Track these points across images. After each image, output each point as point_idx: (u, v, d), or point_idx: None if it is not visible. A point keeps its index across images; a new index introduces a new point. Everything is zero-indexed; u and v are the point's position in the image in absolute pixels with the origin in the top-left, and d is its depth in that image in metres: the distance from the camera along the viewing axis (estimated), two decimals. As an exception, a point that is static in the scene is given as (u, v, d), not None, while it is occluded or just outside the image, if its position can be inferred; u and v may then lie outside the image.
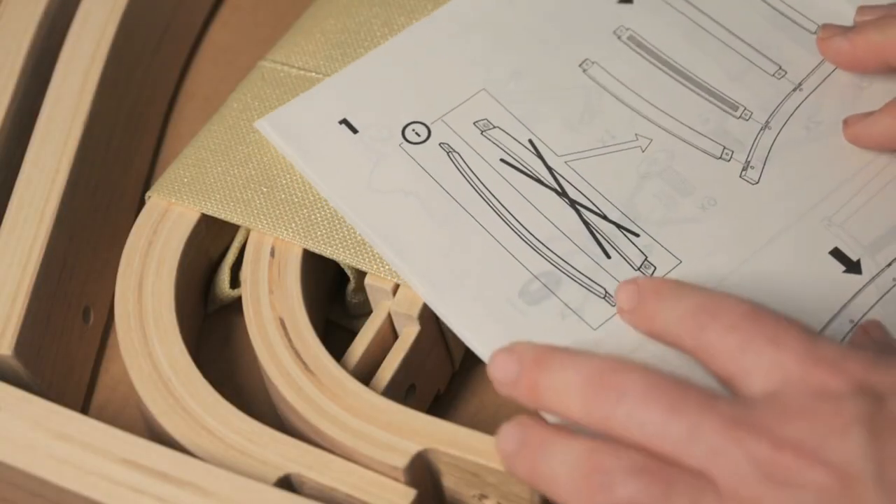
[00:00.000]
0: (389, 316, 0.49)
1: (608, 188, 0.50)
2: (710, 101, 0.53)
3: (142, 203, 0.53)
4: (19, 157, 0.54)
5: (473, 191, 0.50)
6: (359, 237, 0.49)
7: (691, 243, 0.49)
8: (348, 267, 0.51)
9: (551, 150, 0.51)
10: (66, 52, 0.56)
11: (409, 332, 0.49)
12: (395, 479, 0.45)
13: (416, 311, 0.48)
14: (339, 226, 0.50)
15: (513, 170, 0.50)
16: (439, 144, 0.51)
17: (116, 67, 0.56)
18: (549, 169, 0.50)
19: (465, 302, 0.47)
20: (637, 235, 0.49)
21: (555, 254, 0.48)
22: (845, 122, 0.52)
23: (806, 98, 0.53)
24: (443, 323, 0.50)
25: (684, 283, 0.43)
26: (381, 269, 0.49)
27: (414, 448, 0.45)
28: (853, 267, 0.48)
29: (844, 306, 0.47)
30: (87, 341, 0.53)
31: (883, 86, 0.53)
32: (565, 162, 0.51)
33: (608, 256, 0.48)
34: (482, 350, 0.46)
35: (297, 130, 0.51)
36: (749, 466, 0.37)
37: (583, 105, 0.52)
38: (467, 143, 0.51)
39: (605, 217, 0.49)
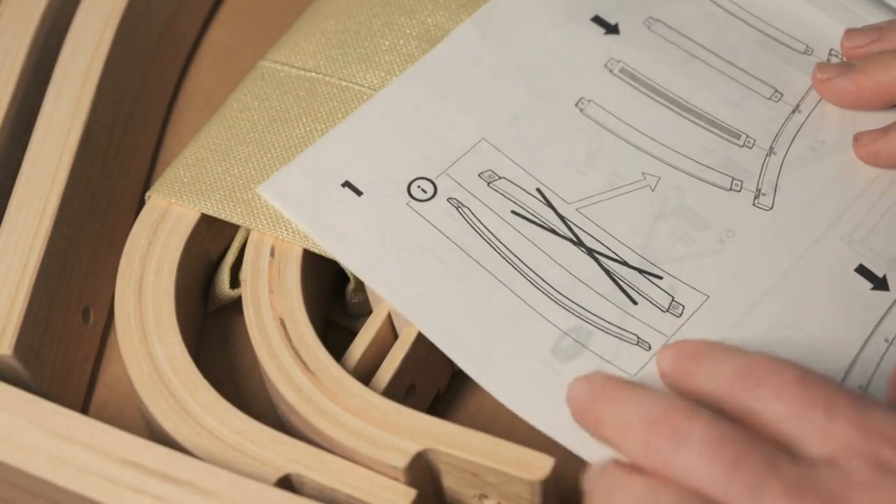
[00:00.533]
0: (389, 316, 0.49)
1: (623, 233, 0.49)
2: (712, 132, 0.52)
3: (142, 203, 0.53)
4: (19, 156, 0.54)
5: (488, 246, 0.48)
6: (359, 237, 0.49)
7: (715, 277, 0.48)
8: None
9: (560, 197, 0.50)
10: (65, 52, 0.56)
11: (409, 332, 0.49)
12: (396, 479, 0.45)
13: (416, 312, 0.48)
14: (339, 226, 0.50)
15: (525, 221, 0.49)
16: (447, 200, 0.50)
17: (116, 67, 0.56)
18: (562, 218, 0.49)
19: (499, 368, 0.46)
20: (660, 278, 0.48)
21: (580, 306, 0.47)
22: (857, 139, 0.51)
23: (806, 119, 0.52)
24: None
25: (725, 346, 0.42)
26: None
27: (414, 448, 0.45)
28: (880, 283, 0.47)
29: (878, 325, 0.46)
30: (86, 341, 0.53)
31: None
32: (576, 209, 0.49)
33: (634, 303, 0.47)
34: (529, 415, 0.45)
35: (298, 196, 0.50)
36: None
37: (585, 147, 0.51)
38: (475, 197, 0.50)
39: (625, 263, 0.48)
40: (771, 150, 0.51)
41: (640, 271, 0.48)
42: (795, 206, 0.50)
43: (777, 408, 0.39)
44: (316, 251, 0.50)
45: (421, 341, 0.49)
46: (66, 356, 0.52)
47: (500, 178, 0.50)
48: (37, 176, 0.52)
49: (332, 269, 0.53)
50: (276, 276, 0.50)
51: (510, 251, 0.48)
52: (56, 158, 0.53)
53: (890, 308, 0.47)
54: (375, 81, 0.54)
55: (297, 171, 0.51)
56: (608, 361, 0.46)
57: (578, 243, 0.49)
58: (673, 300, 0.47)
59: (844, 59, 0.53)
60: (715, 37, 0.55)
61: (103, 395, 0.53)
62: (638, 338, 0.46)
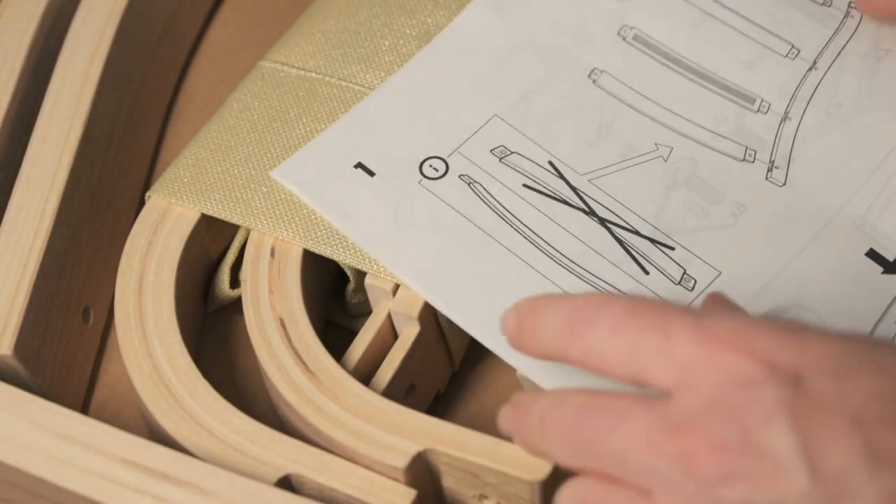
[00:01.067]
0: (389, 316, 0.49)
1: (636, 203, 0.49)
2: (726, 98, 0.52)
3: (142, 203, 0.53)
4: (19, 156, 0.54)
5: (501, 219, 0.49)
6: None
7: (727, 253, 0.48)
8: (348, 267, 0.51)
9: (573, 169, 0.50)
10: (65, 52, 0.56)
11: (408, 333, 0.49)
12: (395, 480, 0.45)
13: (415, 312, 0.48)
14: (339, 226, 0.50)
15: (537, 194, 0.49)
16: (459, 177, 0.50)
17: (116, 67, 0.56)
18: (574, 189, 0.49)
19: None
20: (672, 249, 0.48)
21: (593, 275, 0.47)
22: None
23: (823, 76, 0.52)
24: (443, 323, 0.50)
25: (559, 295, 0.41)
26: (381, 269, 0.49)
27: (414, 448, 0.45)
28: (891, 267, 0.47)
29: (889, 307, 0.46)
30: (86, 341, 0.53)
31: None
32: (589, 180, 0.50)
33: (646, 273, 0.47)
34: (546, 383, 0.45)
35: (312, 178, 0.50)
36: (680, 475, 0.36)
37: (598, 119, 0.51)
38: (487, 173, 0.50)
39: (637, 233, 0.48)
40: (786, 116, 0.51)
41: (653, 241, 0.48)
42: (808, 183, 0.49)
43: (615, 343, 0.38)
44: (316, 251, 0.50)
45: (421, 341, 0.49)
46: (66, 356, 0.52)
47: (511, 153, 0.50)
48: (37, 176, 0.52)
49: (332, 269, 0.53)
50: (276, 276, 0.50)
51: (523, 223, 0.49)
52: (56, 158, 0.53)
53: None
54: (375, 82, 0.54)
55: (310, 155, 0.51)
56: None
57: (591, 213, 0.49)
58: (685, 273, 0.47)
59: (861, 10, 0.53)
60: None
61: (103, 395, 0.53)
62: None
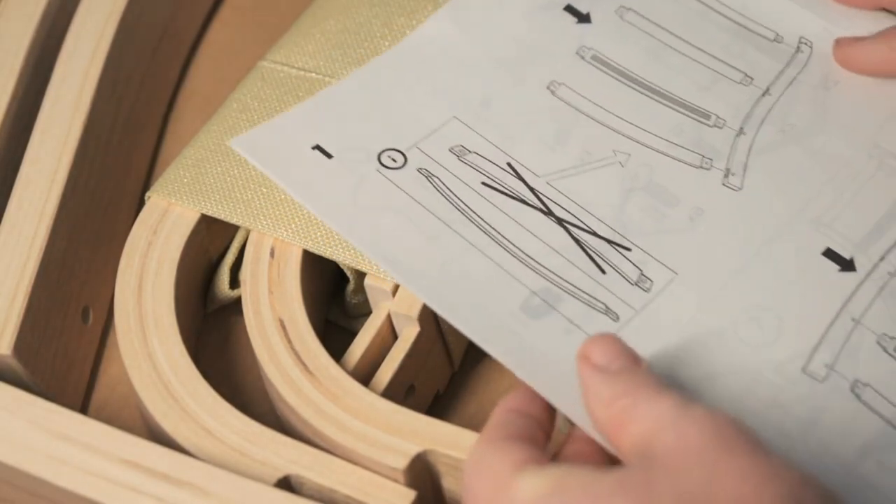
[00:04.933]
0: (389, 316, 0.49)
1: (593, 205, 0.50)
2: (682, 113, 0.52)
3: (142, 203, 0.53)
4: (19, 156, 0.54)
5: (459, 213, 0.49)
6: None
7: (684, 255, 0.48)
8: (348, 267, 0.51)
9: (531, 171, 0.50)
10: (65, 52, 0.56)
11: (408, 333, 0.49)
12: (395, 481, 0.45)
13: (415, 312, 0.48)
14: (338, 226, 0.50)
15: (496, 192, 0.50)
16: (417, 170, 0.50)
17: (116, 67, 0.56)
18: (532, 190, 0.50)
19: (469, 315, 0.46)
20: (629, 250, 0.48)
21: (549, 270, 0.48)
22: (837, 42, 0.53)
23: (776, 102, 0.53)
24: (442, 323, 0.50)
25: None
26: (381, 269, 0.49)
27: (413, 449, 0.45)
28: (847, 265, 0.48)
29: (844, 305, 0.47)
30: (86, 341, 0.53)
31: (848, 83, 0.53)
32: (547, 182, 0.50)
33: (603, 272, 0.48)
34: (500, 357, 0.45)
35: (270, 153, 0.50)
36: None
37: (556, 126, 0.52)
38: (446, 169, 0.50)
39: (594, 234, 0.49)
40: (741, 131, 0.52)
41: (610, 242, 0.49)
42: (764, 188, 0.50)
43: None
44: (316, 251, 0.50)
45: (420, 342, 0.49)
46: (66, 355, 0.52)
47: (470, 152, 0.51)
48: (36, 175, 0.52)
49: (332, 269, 0.53)
50: (276, 276, 0.50)
51: (481, 218, 0.49)
52: (56, 158, 0.53)
53: (857, 289, 0.48)
54: (375, 82, 0.54)
55: (269, 132, 0.51)
56: (577, 326, 0.46)
57: (548, 213, 0.49)
58: (642, 274, 0.48)
59: (813, 48, 0.55)
60: (686, 26, 0.55)
61: (103, 395, 0.53)
62: (606, 307, 0.47)
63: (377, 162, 0.50)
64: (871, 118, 0.52)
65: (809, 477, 0.38)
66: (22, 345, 0.49)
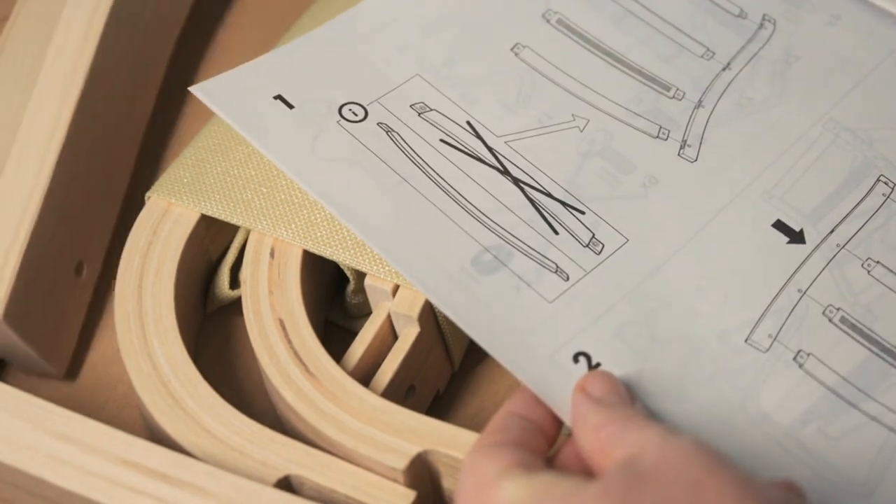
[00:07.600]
0: (389, 317, 0.49)
1: (550, 167, 0.50)
2: (643, 83, 0.53)
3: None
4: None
5: (416, 167, 0.50)
6: (358, 238, 0.49)
7: (637, 221, 0.49)
8: (348, 268, 0.51)
9: (490, 131, 0.51)
10: (69, 5, 0.56)
11: (408, 333, 0.49)
12: (395, 481, 0.45)
13: (415, 312, 0.48)
14: (338, 226, 0.50)
15: (453, 150, 0.51)
16: (377, 124, 0.51)
17: (121, 13, 0.57)
18: (490, 149, 0.51)
19: (420, 267, 0.47)
20: (583, 213, 0.49)
21: (503, 228, 0.48)
22: None
23: (736, 76, 0.54)
24: (443, 324, 0.50)
25: None
26: (381, 269, 0.49)
27: (413, 449, 0.45)
28: (797, 237, 0.49)
29: (792, 276, 0.48)
30: (77, 296, 0.54)
31: (809, 58, 0.54)
32: (505, 142, 0.51)
33: (556, 233, 0.48)
34: (449, 312, 0.46)
35: (230, 100, 0.51)
36: None
37: (517, 88, 0.53)
38: (405, 124, 0.51)
39: (549, 195, 0.50)
40: (699, 104, 0.53)
41: (564, 204, 0.49)
42: (718, 160, 0.51)
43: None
44: (316, 251, 0.50)
45: (421, 342, 0.49)
46: (58, 308, 0.52)
47: (430, 109, 0.52)
48: (36, 126, 0.53)
49: (332, 269, 0.53)
50: (276, 276, 0.50)
51: (437, 173, 0.50)
52: (56, 109, 0.53)
53: (805, 260, 0.48)
54: (375, 82, 0.54)
55: (231, 80, 0.52)
56: (527, 283, 0.47)
57: (505, 172, 0.50)
58: (593, 237, 0.48)
59: (776, 26, 0.55)
60: None
61: (103, 394, 0.53)
62: (557, 266, 0.47)
63: (338, 114, 0.51)
64: (829, 93, 0.53)
65: (787, 496, 0.39)
66: (15, 299, 0.49)
